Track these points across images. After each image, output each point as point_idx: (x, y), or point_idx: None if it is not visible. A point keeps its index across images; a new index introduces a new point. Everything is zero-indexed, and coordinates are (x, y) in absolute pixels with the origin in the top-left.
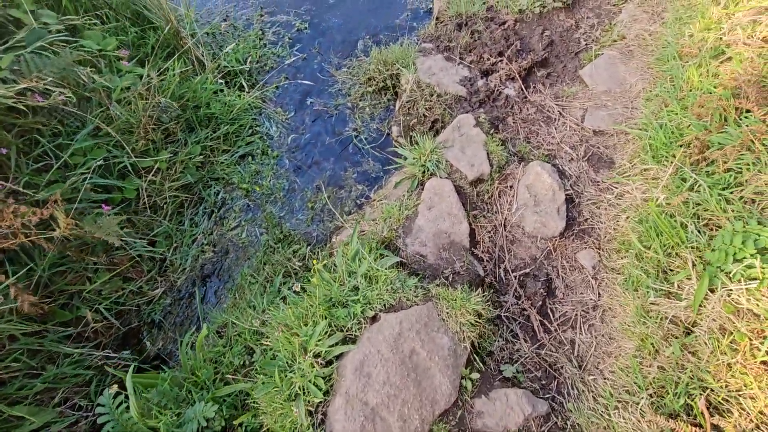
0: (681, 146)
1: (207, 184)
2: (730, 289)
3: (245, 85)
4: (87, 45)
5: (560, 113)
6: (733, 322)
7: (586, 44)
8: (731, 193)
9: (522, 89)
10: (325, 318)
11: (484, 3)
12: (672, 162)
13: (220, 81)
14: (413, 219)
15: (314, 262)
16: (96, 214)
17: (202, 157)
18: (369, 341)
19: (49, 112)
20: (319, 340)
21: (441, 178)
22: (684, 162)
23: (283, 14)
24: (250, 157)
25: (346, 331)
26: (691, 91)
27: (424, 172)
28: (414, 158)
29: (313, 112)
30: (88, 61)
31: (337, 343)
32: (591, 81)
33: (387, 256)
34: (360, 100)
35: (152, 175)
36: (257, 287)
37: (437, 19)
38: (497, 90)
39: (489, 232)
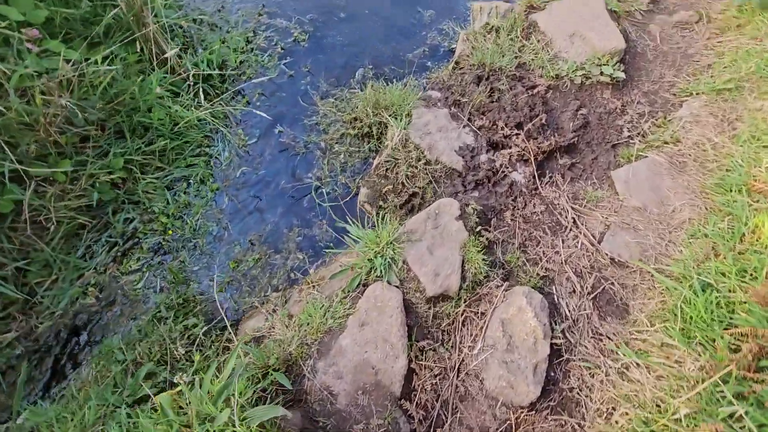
0: (726, 336)
1: (120, 207)
2: None
3: (203, 95)
4: (7, 14)
5: (574, 221)
6: None
7: (629, 137)
8: None
9: (534, 177)
10: None
11: (516, 57)
12: (709, 353)
13: (162, 91)
14: (336, 334)
15: (196, 356)
16: None
17: (124, 172)
18: None
19: None
20: None
21: (390, 285)
22: (726, 367)
23: (284, 19)
24: (185, 183)
25: None
26: (755, 245)
27: (371, 269)
28: (366, 246)
29: (278, 143)
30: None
31: None
32: (624, 188)
33: (276, 397)
34: (336, 143)
35: (49, 186)
36: (117, 372)
37: (456, 63)
38: (503, 171)
39: (435, 376)
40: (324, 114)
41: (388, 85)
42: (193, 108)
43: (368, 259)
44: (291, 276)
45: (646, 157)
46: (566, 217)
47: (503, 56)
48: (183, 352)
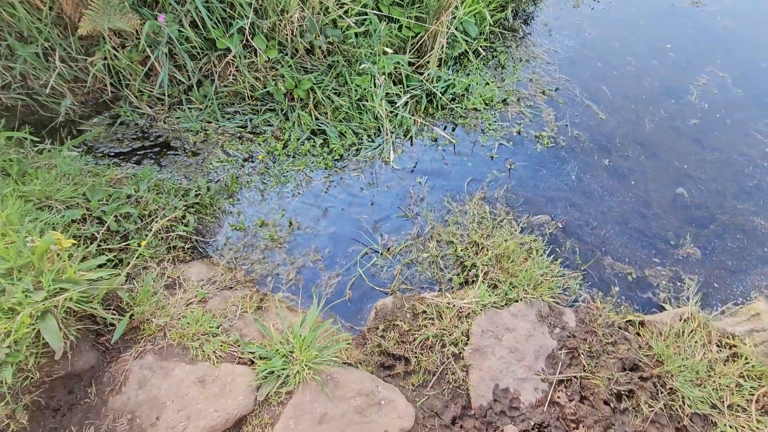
0: None
1: (274, 110)
2: None
3: (414, 102)
4: None
5: None
6: None
7: None
8: None
9: None
10: None
11: (710, 404)
12: None
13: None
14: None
15: (143, 241)
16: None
17: (303, 93)
18: None
19: None
20: None
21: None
22: None
23: (555, 115)
24: (322, 139)
25: None
26: None
27: (260, 373)
28: (280, 342)
29: (405, 189)
30: None
31: None
32: None
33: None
34: (438, 241)
35: (252, 56)
36: (123, 192)
37: (628, 325)
38: None
39: None
40: (464, 212)
41: (548, 255)
42: (390, 101)
43: (272, 356)
44: (267, 280)
45: None
46: None
47: (697, 387)
48: (153, 230)
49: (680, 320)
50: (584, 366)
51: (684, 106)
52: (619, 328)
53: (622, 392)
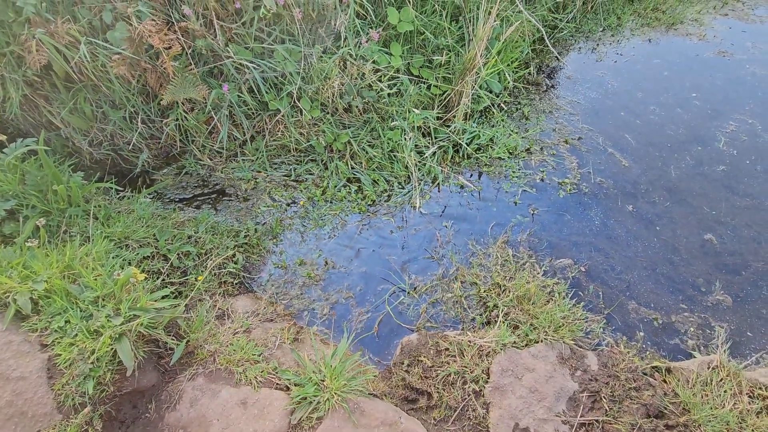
0: None
1: (315, 161)
2: None
3: (441, 152)
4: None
5: None
6: None
7: None
8: None
9: None
10: None
11: None
12: None
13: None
14: (219, 383)
15: (200, 277)
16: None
17: (341, 146)
18: None
19: None
20: None
21: None
22: None
23: (577, 162)
24: (357, 187)
25: None
26: None
27: (298, 400)
28: (312, 371)
29: (431, 232)
30: None
31: None
32: None
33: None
34: (462, 284)
35: (298, 115)
36: (178, 234)
37: (655, 370)
38: None
39: None
40: (488, 255)
41: (571, 298)
42: (419, 152)
43: (305, 383)
44: (304, 314)
45: None
46: None
47: None
48: (209, 267)
49: (708, 368)
50: (606, 410)
51: (711, 153)
52: (644, 373)
53: None
